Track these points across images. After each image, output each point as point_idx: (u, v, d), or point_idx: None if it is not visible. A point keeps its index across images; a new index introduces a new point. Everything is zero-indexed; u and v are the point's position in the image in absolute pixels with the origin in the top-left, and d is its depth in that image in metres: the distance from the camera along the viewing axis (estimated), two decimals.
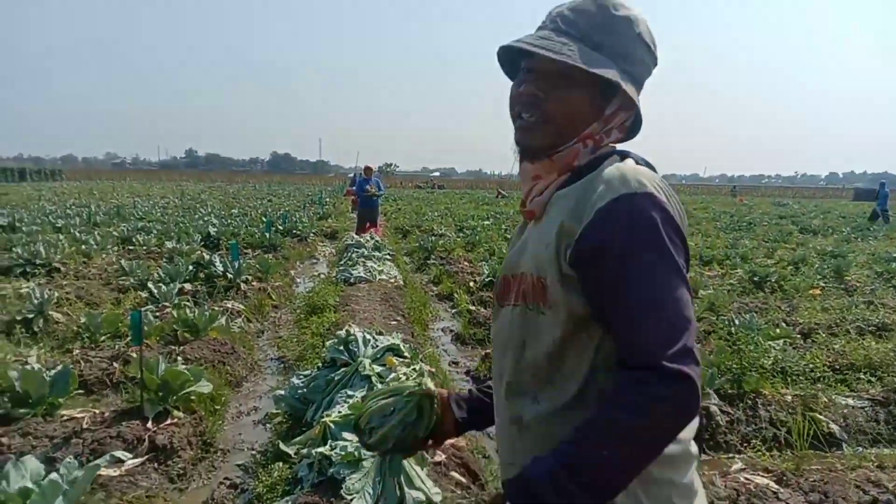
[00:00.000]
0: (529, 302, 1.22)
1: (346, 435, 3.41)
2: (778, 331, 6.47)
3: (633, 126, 1.30)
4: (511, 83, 1.32)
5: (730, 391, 4.93)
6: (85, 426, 3.98)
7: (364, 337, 4.57)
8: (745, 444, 4.48)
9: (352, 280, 9.18)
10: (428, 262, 12.53)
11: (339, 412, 3.65)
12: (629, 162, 1.22)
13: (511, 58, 1.32)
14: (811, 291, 9.22)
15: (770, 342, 5.98)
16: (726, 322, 6.93)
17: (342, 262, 10.69)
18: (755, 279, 9.97)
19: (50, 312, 6.48)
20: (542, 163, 1.27)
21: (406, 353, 4.57)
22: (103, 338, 5.96)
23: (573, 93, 1.21)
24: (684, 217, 1.18)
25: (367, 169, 15.68)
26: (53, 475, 2.67)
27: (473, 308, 8.11)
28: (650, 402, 1.00)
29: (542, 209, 1.26)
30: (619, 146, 1.30)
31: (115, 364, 5.26)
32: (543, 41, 1.19)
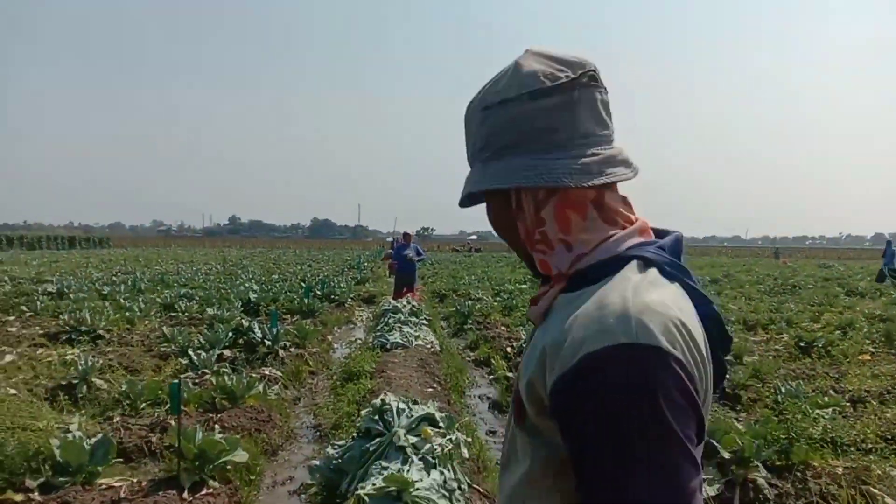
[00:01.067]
0: (513, 415, 1.04)
1: None
2: (826, 399, 6.26)
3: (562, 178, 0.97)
4: None
5: (777, 463, 4.76)
6: (123, 495, 4.01)
7: (399, 406, 4.55)
8: None
9: (388, 346, 9.19)
10: (465, 326, 12.50)
11: (374, 485, 3.62)
12: (652, 276, 0.93)
13: None
14: (860, 357, 8.94)
15: (818, 411, 5.78)
16: (772, 390, 6.74)
17: (379, 328, 10.72)
18: (801, 344, 9.71)
19: (93, 379, 6.60)
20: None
21: (441, 423, 4.52)
22: (143, 405, 6.04)
23: (493, 216, 1.11)
24: (703, 352, 0.89)
25: (406, 235, 15.85)
26: None
27: (511, 374, 8.03)
28: None
29: (541, 317, 1.03)
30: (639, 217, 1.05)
31: (154, 432, 5.30)
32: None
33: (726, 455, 4.56)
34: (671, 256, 0.99)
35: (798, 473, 4.65)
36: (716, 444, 4.67)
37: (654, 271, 0.94)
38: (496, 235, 1.15)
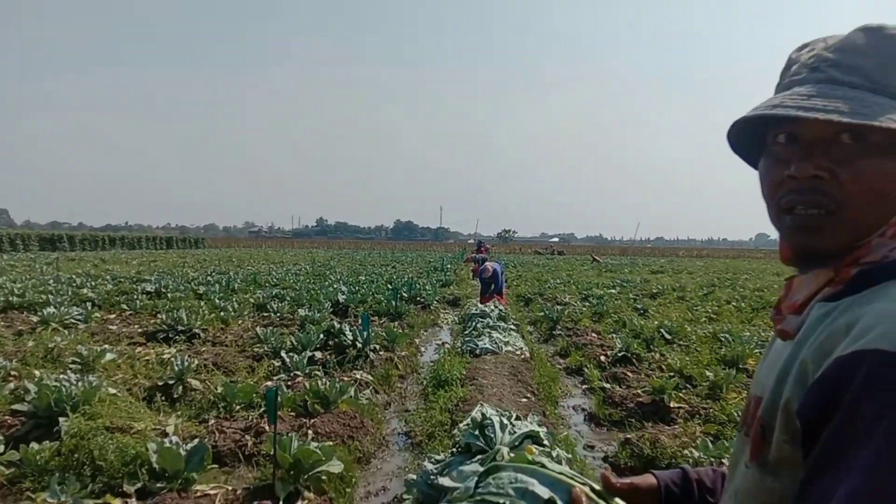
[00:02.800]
0: (751, 449, 0.92)
1: None
2: None
3: None
4: (757, 162, 1.01)
5: None
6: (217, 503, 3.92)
7: (501, 421, 4.29)
8: None
9: (477, 351, 8.96)
10: (553, 332, 12.13)
11: None
12: None
13: (751, 129, 0.99)
14: None
15: None
16: None
17: (467, 332, 10.51)
18: None
19: (188, 380, 6.65)
20: (825, 267, 0.92)
21: (546, 441, 4.24)
22: (238, 407, 6.01)
23: (875, 165, 0.86)
24: None
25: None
26: None
27: (607, 386, 7.65)
28: None
29: (796, 330, 0.91)
30: None
31: (247, 435, 5.24)
32: (818, 101, 0.86)
33: None
34: None
35: None
36: None
37: None
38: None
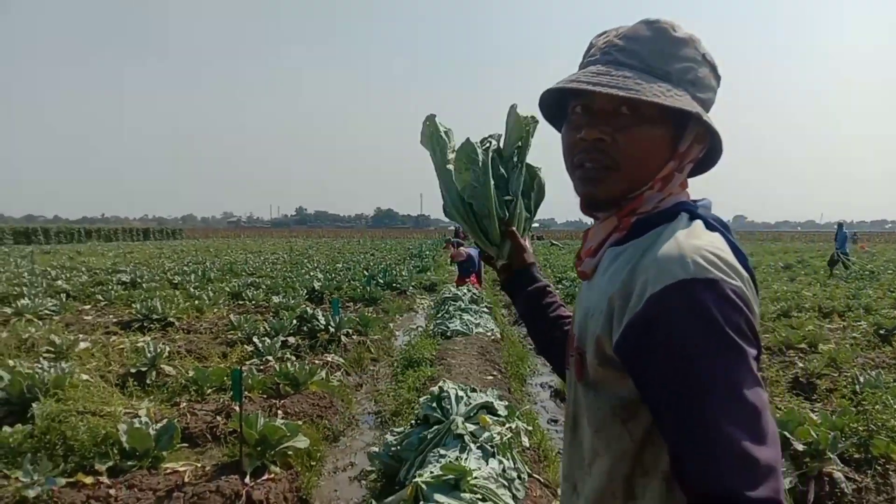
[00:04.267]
0: (574, 371, 1.14)
1: (437, 497, 3.32)
2: None
3: (708, 156, 1.15)
4: (558, 130, 1.20)
5: (856, 456, 4.51)
6: (186, 480, 4.07)
7: (457, 394, 4.49)
8: None
9: (448, 333, 9.15)
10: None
11: (432, 472, 3.57)
12: (696, 227, 1.03)
13: (556, 100, 1.19)
14: None
15: None
16: (850, 379, 6.40)
17: (439, 316, 10.69)
18: (881, 332, 9.23)
19: (161, 366, 6.77)
20: (607, 215, 1.14)
21: (500, 411, 4.44)
22: (210, 391, 6.16)
23: (644, 132, 1.05)
24: (753, 287, 1.00)
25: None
26: None
27: None
28: None
29: (593, 271, 1.15)
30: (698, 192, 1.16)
31: (218, 417, 5.39)
32: (603, 77, 1.05)
33: (800, 447, 4.34)
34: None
35: (878, 468, 4.40)
36: (789, 435, 4.45)
37: (698, 222, 1.04)
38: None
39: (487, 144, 1.56)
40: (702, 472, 0.84)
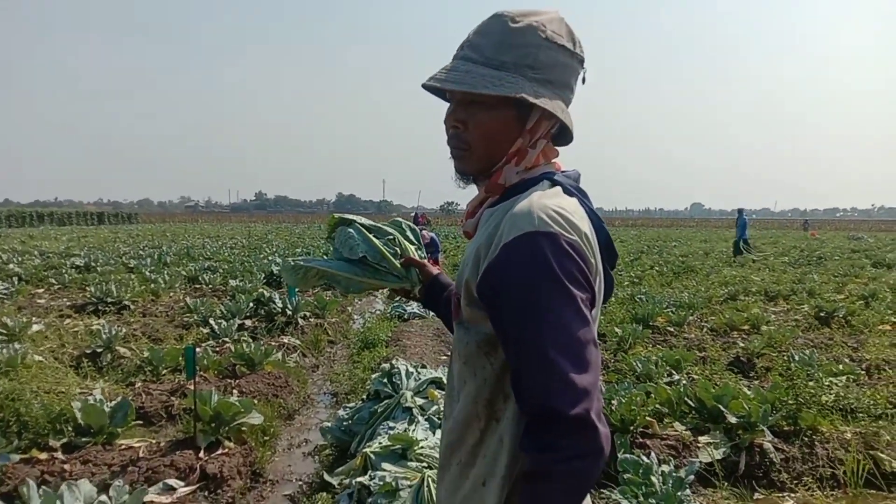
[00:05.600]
0: (453, 313, 1.33)
1: (385, 465, 3.48)
2: (841, 367, 6.23)
3: (561, 130, 1.32)
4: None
5: (785, 428, 4.79)
6: (141, 455, 4.15)
7: (407, 370, 4.65)
8: (798, 483, 4.33)
9: (406, 316, 9.31)
10: None
11: (380, 443, 3.72)
12: (555, 191, 1.21)
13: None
14: (881, 327, 8.85)
15: (832, 379, 5.76)
16: (786, 359, 6.73)
17: (397, 299, 10.84)
18: (821, 315, 9.65)
19: (117, 347, 6.79)
20: (483, 185, 1.33)
21: None
22: (165, 372, 6.22)
23: (488, 116, 1.23)
24: (593, 245, 1.18)
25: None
26: (103, 497, 2.82)
27: None
28: (551, 461, 1.01)
29: (474, 230, 1.32)
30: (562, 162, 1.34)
31: (173, 397, 5.47)
32: (449, 73, 1.23)
33: (733, 420, 4.60)
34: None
35: (805, 438, 4.66)
36: (723, 408, 4.70)
37: (557, 188, 1.23)
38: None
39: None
40: (531, 390, 1.04)
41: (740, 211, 23.12)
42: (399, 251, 1.76)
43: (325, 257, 1.86)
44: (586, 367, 1.03)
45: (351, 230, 1.77)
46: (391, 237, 1.77)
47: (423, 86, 1.29)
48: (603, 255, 1.24)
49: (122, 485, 2.98)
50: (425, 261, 1.79)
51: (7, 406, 4.47)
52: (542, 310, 1.04)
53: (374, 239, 1.73)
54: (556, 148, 1.35)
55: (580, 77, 1.30)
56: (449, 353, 7.24)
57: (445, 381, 1.43)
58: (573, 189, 1.26)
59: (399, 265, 1.74)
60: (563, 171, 1.32)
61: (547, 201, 1.14)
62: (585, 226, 1.16)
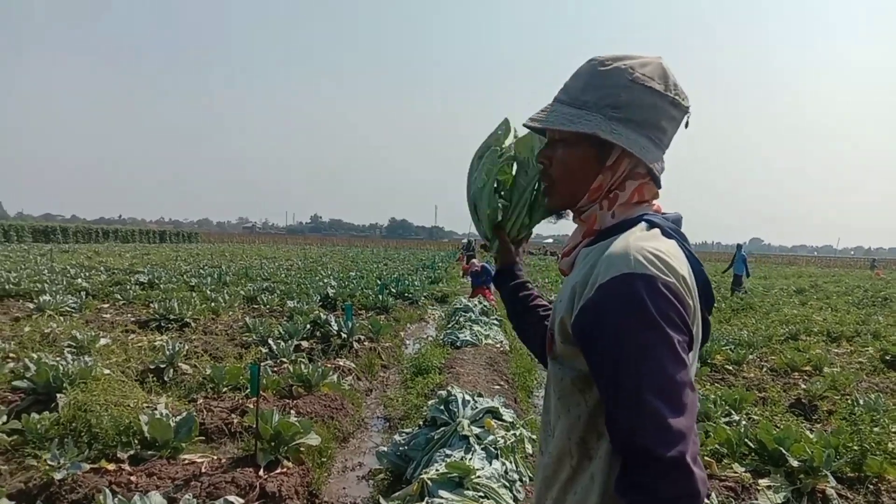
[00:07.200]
0: (547, 349, 1.35)
1: (442, 493, 3.50)
2: None
3: (654, 169, 1.31)
4: None
5: (849, 474, 4.64)
6: (203, 470, 4.27)
7: (464, 398, 4.67)
8: None
9: (458, 343, 9.33)
10: None
11: (437, 470, 3.75)
12: (653, 233, 1.22)
13: None
14: None
15: None
16: (849, 402, 6.52)
17: (449, 326, 10.88)
18: (887, 358, 9.32)
19: (179, 364, 6.99)
20: (580, 221, 1.37)
21: (506, 417, 4.62)
22: (225, 389, 6.37)
23: (568, 153, 1.30)
24: (690, 286, 1.17)
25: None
26: None
27: None
28: (646, 503, 1.01)
29: (569, 268, 1.36)
30: (657, 203, 1.36)
31: (233, 415, 5.60)
32: (540, 113, 1.31)
33: (794, 463, 4.48)
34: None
35: (871, 486, 4.53)
36: (784, 451, 4.59)
37: (656, 230, 1.24)
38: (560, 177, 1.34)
39: (503, 153, 1.74)
40: (626, 431, 1.05)
41: (739, 246, 22.66)
42: (502, 217, 1.74)
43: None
44: (682, 409, 1.03)
45: (489, 161, 1.71)
46: (512, 200, 1.72)
47: (524, 125, 1.36)
48: (700, 299, 1.23)
49: (190, 498, 3.07)
50: (516, 247, 1.81)
51: (80, 417, 4.66)
52: (637, 351, 1.05)
53: (490, 190, 1.70)
54: (656, 189, 1.35)
55: (680, 121, 1.31)
56: (502, 383, 7.33)
57: (541, 419, 1.44)
58: (672, 231, 1.26)
59: (489, 230, 1.75)
60: (663, 214, 1.34)
61: (644, 243, 1.16)
62: (684, 269, 1.17)
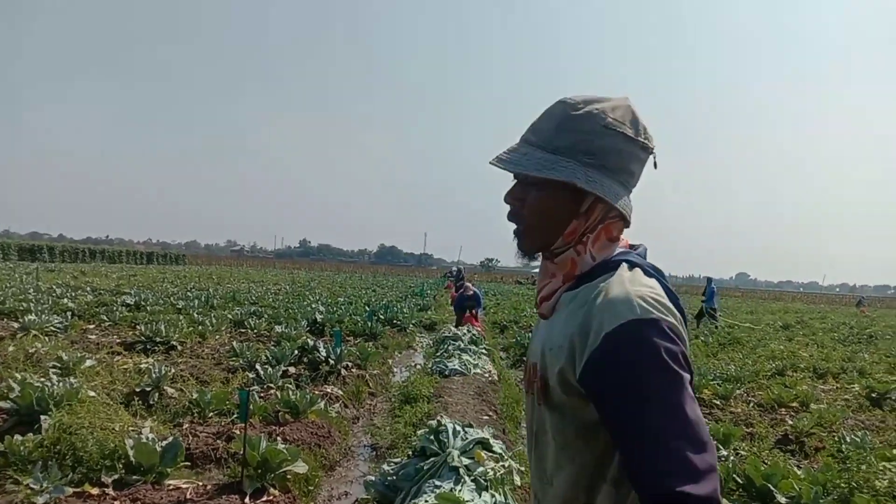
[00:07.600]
0: (538, 396, 1.32)
1: None
2: (895, 452, 6.02)
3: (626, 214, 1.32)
4: None
5: None
6: (189, 497, 4.22)
7: (454, 428, 4.65)
8: None
9: (447, 372, 9.30)
10: (524, 358, 12.45)
11: (427, 501, 3.72)
12: (637, 274, 1.23)
13: None
14: None
15: (885, 463, 5.57)
16: (836, 439, 6.54)
17: (438, 354, 10.85)
18: (873, 395, 9.35)
19: (165, 387, 6.93)
20: (553, 263, 1.34)
21: (496, 448, 4.60)
22: (211, 414, 6.31)
23: (542, 196, 1.27)
24: (685, 325, 1.20)
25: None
26: None
27: None
28: None
29: (550, 312, 1.34)
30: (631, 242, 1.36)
31: (219, 440, 5.54)
32: (510, 154, 1.28)
33: (783, 500, 4.49)
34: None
35: None
36: (772, 488, 4.59)
37: (638, 270, 1.25)
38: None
39: None
40: (654, 476, 1.03)
41: (709, 280, 23.09)
42: None
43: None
44: (704, 446, 1.04)
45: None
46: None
47: (490, 163, 1.32)
48: None
49: None
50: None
51: (64, 439, 4.60)
52: (656, 396, 1.06)
53: None
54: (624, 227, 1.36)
55: (646, 162, 1.32)
56: (490, 413, 7.30)
57: (530, 456, 1.42)
58: (651, 270, 1.28)
59: None
60: (631, 246, 1.36)
61: (641, 288, 1.17)
62: (674, 307, 1.19)
